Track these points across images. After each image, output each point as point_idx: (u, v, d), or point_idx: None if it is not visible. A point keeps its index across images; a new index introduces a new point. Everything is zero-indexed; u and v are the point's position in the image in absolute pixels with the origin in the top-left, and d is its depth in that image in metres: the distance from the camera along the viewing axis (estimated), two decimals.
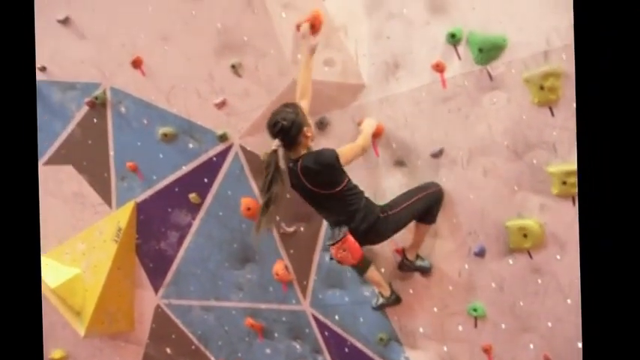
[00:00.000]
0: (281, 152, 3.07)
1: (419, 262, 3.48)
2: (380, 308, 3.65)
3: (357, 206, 3.10)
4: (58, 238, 4.68)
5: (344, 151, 3.10)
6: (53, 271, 4.53)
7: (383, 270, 3.63)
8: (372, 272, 3.49)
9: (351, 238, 3.07)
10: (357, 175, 3.39)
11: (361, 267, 3.45)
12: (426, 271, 3.51)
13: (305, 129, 3.04)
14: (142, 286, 4.59)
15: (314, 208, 3.26)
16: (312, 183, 3.05)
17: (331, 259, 3.22)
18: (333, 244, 3.11)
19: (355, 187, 3.15)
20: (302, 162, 3.04)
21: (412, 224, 3.36)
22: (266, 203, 3.03)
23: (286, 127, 2.99)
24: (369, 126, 3.35)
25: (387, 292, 3.56)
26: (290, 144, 3.05)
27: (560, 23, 2.90)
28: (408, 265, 3.49)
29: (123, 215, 4.37)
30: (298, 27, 3.33)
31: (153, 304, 4.61)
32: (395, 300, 3.57)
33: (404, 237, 3.43)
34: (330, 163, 3.02)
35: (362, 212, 3.10)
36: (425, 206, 3.27)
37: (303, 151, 3.08)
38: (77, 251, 4.58)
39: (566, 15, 2.86)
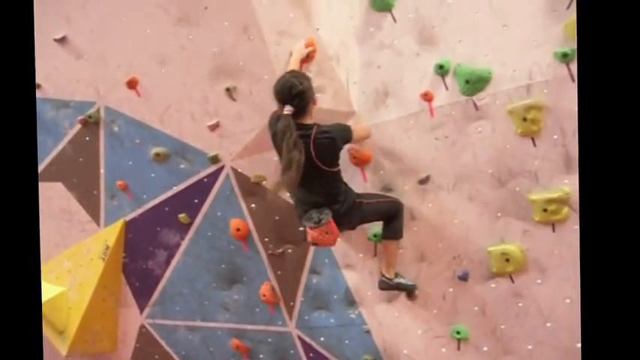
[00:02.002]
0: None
1: (397, 280, 3.49)
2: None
3: (340, 190, 3.16)
4: (43, 255, 4.63)
5: (356, 128, 3.24)
6: None
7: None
8: None
9: (333, 221, 3.09)
10: None
11: None
12: (408, 290, 3.55)
13: (315, 96, 3.09)
14: (127, 305, 4.57)
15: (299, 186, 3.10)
16: (319, 153, 2.98)
17: (304, 240, 3.20)
18: (316, 227, 3.08)
19: (341, 172, 3.20)
20: (318, 128, 2.99)
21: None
22: (287, 165, 2.92)
23: (303, 90, 2.97)
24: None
25: None
26: (302, 109, 2.99)
27: (541, 59, 3.04)
28: (386, 283, 3.49)
29: (111, 233, 4.37)
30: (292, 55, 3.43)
31: (137, 324, 4.59)
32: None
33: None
34: (347, 136, 3.10)
35: (343, 196, 3.15)
36: (388, 211, 3.35)
37: (310, 121, 3.06)
38: (63, 269, 4.55)
39: (547, 51, 3.03)
